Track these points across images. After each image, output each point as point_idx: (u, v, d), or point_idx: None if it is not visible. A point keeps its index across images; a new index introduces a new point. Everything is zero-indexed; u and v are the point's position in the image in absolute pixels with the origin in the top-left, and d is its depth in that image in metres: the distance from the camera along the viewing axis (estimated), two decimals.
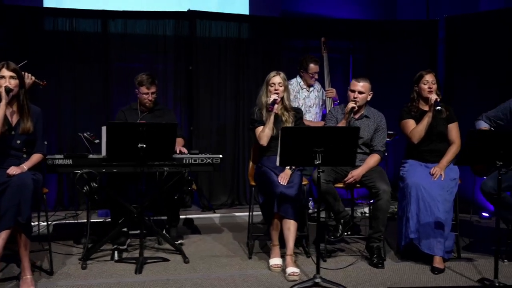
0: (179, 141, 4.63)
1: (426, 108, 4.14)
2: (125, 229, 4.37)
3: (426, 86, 4.13)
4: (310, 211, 5.12)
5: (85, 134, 4.80)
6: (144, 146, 3.78)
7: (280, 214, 3.81)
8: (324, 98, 5.38)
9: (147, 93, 4.54)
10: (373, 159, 4.18)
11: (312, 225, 4.45)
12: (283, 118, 4.15)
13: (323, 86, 5.41)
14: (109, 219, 4.54)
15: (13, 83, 3.46)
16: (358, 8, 6.95)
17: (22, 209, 3.28)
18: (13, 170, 3.39)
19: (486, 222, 5.52)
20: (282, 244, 3.91)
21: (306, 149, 3.43)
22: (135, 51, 5.78)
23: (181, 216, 5.31)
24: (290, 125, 4.11)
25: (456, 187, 4.08)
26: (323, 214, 4.35)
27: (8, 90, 3.43)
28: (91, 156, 4.07)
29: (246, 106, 5.90)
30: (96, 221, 5.00)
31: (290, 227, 3.82)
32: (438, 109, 3.98)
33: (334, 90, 5.32)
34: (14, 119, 3.54)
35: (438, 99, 4.03)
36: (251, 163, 4.51)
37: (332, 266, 3.93)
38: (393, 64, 6.26)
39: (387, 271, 3.87)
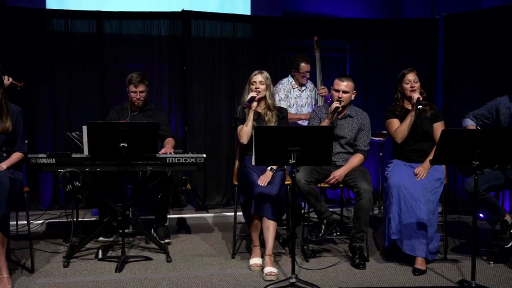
0: (170, 141, 4.65)
1: (410, 107, 4.08)
2: (114, 223, 4.42)
3: (408, 86, 4.08)
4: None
5: (73, 133, 4.88)
6: (126, 145, 3.81)
7: (259, 214, 3.79)
8: (316, 97, 5.34)
9: (135, 92, 4.59)
10: (356, 159, 4.14)
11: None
12: (266, 118, 4.13)
13: (315, 85, 5.38)
14: None
15: None
16: (362, 7, 6.87)
17: None
18: None
19: (482, 223, 5.40)
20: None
21: (281, 148, 3.41)
22: (130, 51, 5.79)
23: (175, 216, 5.36)
24: (273, 124, 4.09)
25: (441, 187, 4.01)
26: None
27: None
28: (74, 155, 4.09)
29: None
30: (89, 220, 5.06)
31: (270, 227, 3.79)
32: (420, 108, 3.92)
33: (326, 88, 5.28)
34: None
35: (421, 98, 3.98)
36: (237, 162, 4.51)
37: (314, 267, 3.90)
38: (392, 63, 6.14)
39: (367, 272, 3.83)
